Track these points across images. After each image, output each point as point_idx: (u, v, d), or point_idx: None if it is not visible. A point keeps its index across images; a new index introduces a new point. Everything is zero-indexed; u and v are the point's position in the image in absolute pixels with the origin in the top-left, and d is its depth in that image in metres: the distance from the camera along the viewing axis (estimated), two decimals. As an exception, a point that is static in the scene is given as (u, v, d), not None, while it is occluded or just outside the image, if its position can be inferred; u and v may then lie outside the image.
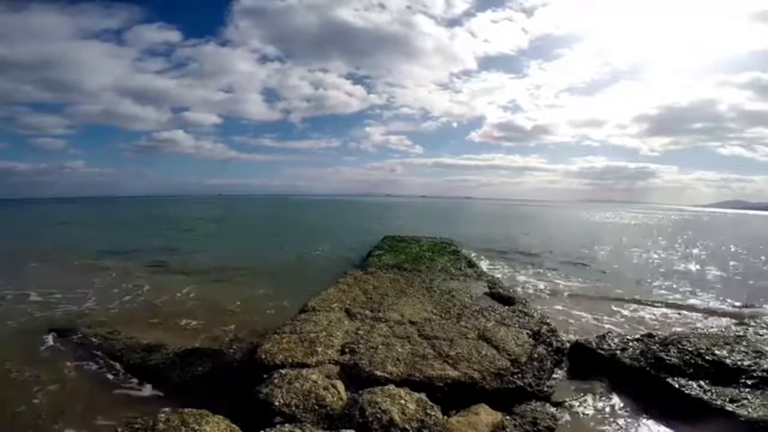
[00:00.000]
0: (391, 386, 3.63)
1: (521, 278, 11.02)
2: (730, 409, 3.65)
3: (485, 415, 3.39)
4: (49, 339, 6.01)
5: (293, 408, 3.33)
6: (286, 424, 3.04)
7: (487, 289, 7.81)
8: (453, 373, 4.04)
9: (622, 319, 7.54)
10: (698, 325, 7.01)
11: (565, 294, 9.43)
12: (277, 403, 3.36)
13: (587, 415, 4.08)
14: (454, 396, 3.80)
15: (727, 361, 4.43)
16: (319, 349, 4.46)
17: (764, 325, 5.82)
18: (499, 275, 10.86)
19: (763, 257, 17.18)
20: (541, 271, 12.32)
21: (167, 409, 3.59)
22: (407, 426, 3.14)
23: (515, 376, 4.14)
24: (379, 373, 3.99)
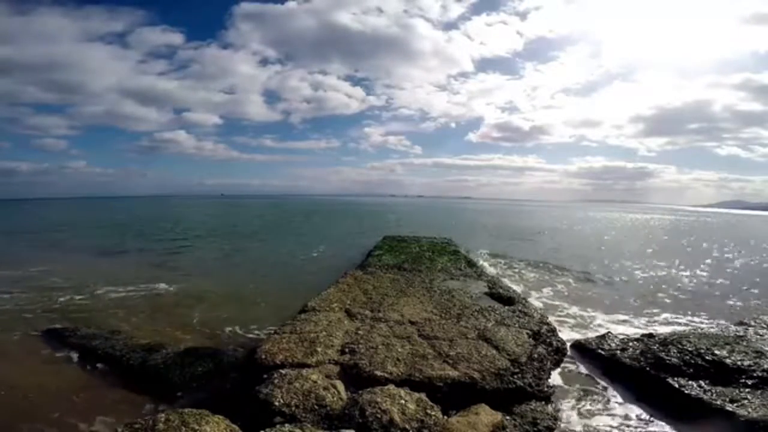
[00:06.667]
0: (391, 386, 3.63)
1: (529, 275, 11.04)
2: (730, 409, 3.66)
3: (485, 415, 3.39)
4: (49, 339, 6.01)
5: (293, 408, 3.33)
6: (286, 424, 3.04)
7: (486, 289, 7.80)
8: (453, 373, 4.04)
9: (624, 320, 7.55)
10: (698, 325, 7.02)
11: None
12: (277, 403, 3.36)
13: (587, 415, 4.08)
14: (454, 396, 3.80)
15: (727, 361, 4.44)
16: (319, 349, 4.46)
17: (764, 325, 5.83)
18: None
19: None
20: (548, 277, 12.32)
21: (167, 409, 3.59)
22: (407, 426, 3.14)
23: (515, 376, 4.14)
24: (379, 373, 3.99)
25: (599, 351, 5.10)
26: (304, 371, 3.87)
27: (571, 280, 11.10)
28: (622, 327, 6.98)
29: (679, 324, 7.28)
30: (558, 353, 5.15)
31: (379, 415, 3.18)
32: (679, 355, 4.60)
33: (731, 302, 9.12)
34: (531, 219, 46.35)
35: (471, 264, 10.64)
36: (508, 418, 3.60)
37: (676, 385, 4.14)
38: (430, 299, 6.83)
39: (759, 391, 3.94)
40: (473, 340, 4.93)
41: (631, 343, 5.17)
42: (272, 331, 5.14)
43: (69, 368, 5.10)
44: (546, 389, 4.14)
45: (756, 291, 10.32)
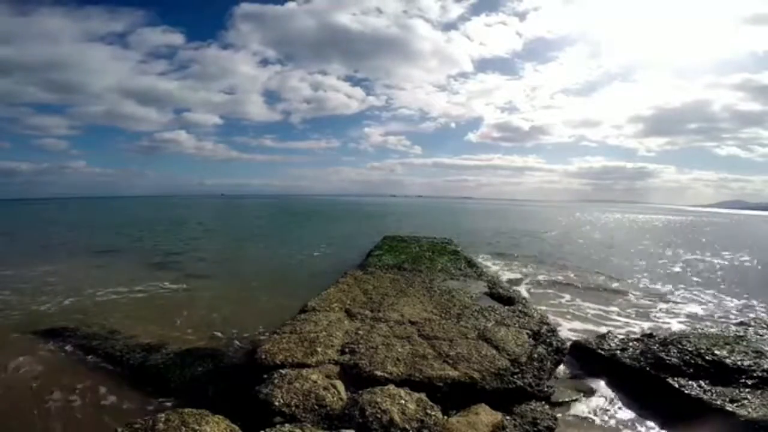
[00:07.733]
0: (391, 386, 3.63)
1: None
2: (730, 409, 3.66)
3: (485, 415, 3.39)
4: (49, 339, 6.00)
5: (293, 408, 3.33)
6: (286, 424, 3.04)
7: (486, 289, 7.81)
8: (453, 373, 4.04)
9: (625, 318, 7.55)
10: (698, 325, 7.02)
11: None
12: (277, 403, 3.36)
13: (587, 415, 4.08)
14: (454, 396, 3.80)
15: (727, 361, 4.44)
16: (319, 349, 4.46)
17: (764, 325, 5.83)
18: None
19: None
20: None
21: (167, 409, 3.59)
22: (407, 426, 3.14)
23: (515, 376, 4.14)
24: (379, 373, 3.99)
25: (599, 351, 5.09)
26: (304, 371, 3.87)
27: (571, 277, 11.11)
28: (622, 326, 6.99)
29: (679, 324, 7.29)
30: (558, 353, 5.14)
31: (379, 415, 3.18)
32: (679, 355, 4.59)
33: (731, 302, 9.13)
34: (531, 219, 46.37)
35: (471, 264, 10.63)
36: (508, 418, 3.60)
37: (676, 385, 4.14)
38: (430, 299, 6.83)
39: (759, 391, 3.94)
40: (473, 340, 4.93)
41: (631, 343, 5.17)
42: (272, 331, 5.13)
43: (68, 368, 5.09)
44: (546, 389, 4.14)
45: (756, 291, 10.32)
